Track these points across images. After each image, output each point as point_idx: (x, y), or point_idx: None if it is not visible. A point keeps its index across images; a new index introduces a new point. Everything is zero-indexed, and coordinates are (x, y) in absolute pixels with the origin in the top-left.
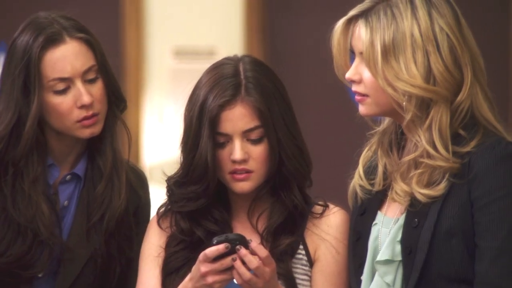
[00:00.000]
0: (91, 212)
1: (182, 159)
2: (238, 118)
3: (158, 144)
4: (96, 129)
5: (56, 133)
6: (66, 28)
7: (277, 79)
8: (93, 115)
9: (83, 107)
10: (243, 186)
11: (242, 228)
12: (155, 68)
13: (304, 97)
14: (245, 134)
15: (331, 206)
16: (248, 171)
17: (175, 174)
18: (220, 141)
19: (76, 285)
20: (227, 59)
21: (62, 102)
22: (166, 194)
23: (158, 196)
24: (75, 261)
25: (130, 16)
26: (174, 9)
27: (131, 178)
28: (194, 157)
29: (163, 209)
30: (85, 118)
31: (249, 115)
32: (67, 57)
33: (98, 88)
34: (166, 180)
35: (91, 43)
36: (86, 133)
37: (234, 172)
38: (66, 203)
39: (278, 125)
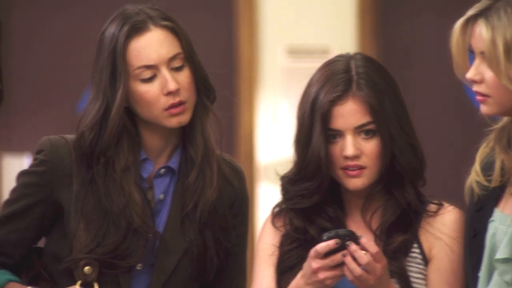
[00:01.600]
0: (184, 203)
1: (295, 156)
2: (349, 113)
3: (272, 143)
4: (184, 118)
5: (147, 126)
6: (151, 17)
7: (389, 76)
8: (180, 103)
9: (169, 94)
10: (356, 182)
11: (355, 226)
12: (268, 67)
13: (418, 95)
14: (357, 130)
15: (445, 204)
16: (360, 167)
17: (288, 172)
18: (332, 136)
19: (173, 277)
20: (339, 56)
21: (148, 90)
22: (280, 192)
23: (271, 194)
24: (172, 253)
25: (244, 15)
26: (287, 8)
27: (225, 169)
28: (306, 154)
29: (277, 208)
30: (172, 105)
31: (360, 111)
32: (152, 45)
33: (184, 76)
34: (280, 179)
35: (176, 31)
36: (173, 121)
37: (346, 168)
38: (162, 196)
39: (390, 121)
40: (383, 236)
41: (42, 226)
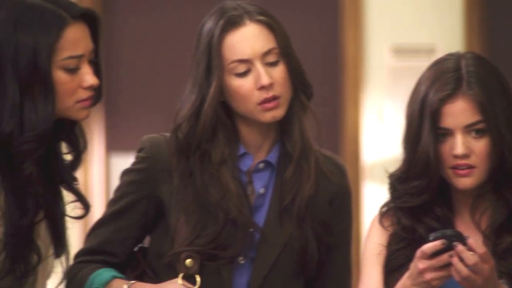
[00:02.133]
0: (282, 198)
1: (404, 154)
2: (459, 112)
3: (378, 143)
4: (278, 113)
5: (244, 120)
6: (248, 12)
7: (501, 75)
8: (273, 98)
9: (262, 88)
10: (465, 181)
11: (464, 226)
12: (374, 66)
13: None
14: (467, 129)
15: None
16: (470, 167)
17: (397, 170)
18: (441, 135)
19: (274, 272)
20: (449, 55)
21: (243, 85)
22: (388, 191)
23: (377, 194)
24: (272, 247)
25: (349, 15)
26: (393, 6)
27: (324, 165)
28: (416, 152)
29: (385, 207)
30: (266, 100)
31: (470, 110)
32: (246, 39)
33: (279, 71)
34: (388, 177)
35: (272, 26)
36: (267, 116)
37: (456, 167)
38: (262, 190)
39: (500, 120)
40: (492, 237)
41: (146, 225)
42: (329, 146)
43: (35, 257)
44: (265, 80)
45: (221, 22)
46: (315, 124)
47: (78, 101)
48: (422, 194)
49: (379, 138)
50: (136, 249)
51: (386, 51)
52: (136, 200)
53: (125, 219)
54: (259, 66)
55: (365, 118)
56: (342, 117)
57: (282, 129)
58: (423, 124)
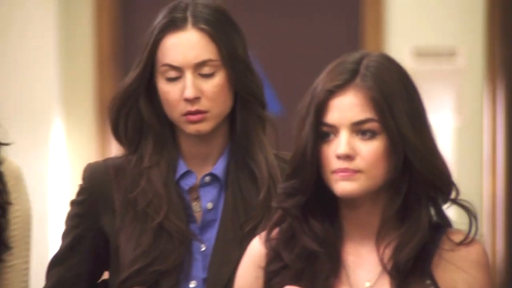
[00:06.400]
0: (238, 214)
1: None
2: (348, 106)
3: None
4: (203, 127)
5: (182, 130)
6: (195, 16)
7: (408, 78)
8: (197, 112)
9: (187, 100)
10: (345, 186)
11: (354, 256)
12: None
13: None
14: (355, 128)
15: (470, 235)
16: (354, 171)
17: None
18: (326, 134)
19: None
20: (360, 51)
21: (170, 92)
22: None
23: None
24: (224, 267)
25: (370, 17)
26: (414, 9)
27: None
28: (296, 151)
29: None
30: (189, 112)
31: (361, 105)
32: (181, 46)
33: (212, 85)
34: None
35: (215, 37)
36: (191, 129)
37: (337, 171)
38: (209, 205)
39: (401, 121)
40: (399, 277)
41: (99, 257)
42: None
43: None
44: (188, 93)
45: (163, 21)
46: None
47: None
48: (295, 195)
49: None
50: (100, 281)
51: (407, 54)
52: (82, 234)
53: (75, 255)
54: (188, 77)
55: None
56: None
57: (234, 142)
58: (308, 117)
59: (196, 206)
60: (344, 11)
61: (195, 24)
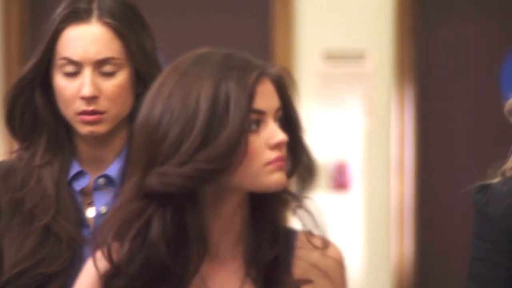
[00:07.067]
0: None
1: None
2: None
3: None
4: (97, 129)
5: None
6: (101, 9)
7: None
8: (94, 112)
9: (83, 98)
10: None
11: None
12: (304, 71)
13: (460, 101)
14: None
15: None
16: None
17: None
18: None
19: None
20: None
21: (67, 87)
22: None
23: None
24: None
25: (280, 19)
26: (323, 12)
27: None
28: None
29: None
30: (85, 112)
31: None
32: (82, 40)
33: (112, 84)
34: None
35: (121, 33)
36: (85, 130)
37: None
38: (103, 209)
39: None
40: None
41: None
42: None
43: None
44: (86, 91)
45: (66, 11)
46: None
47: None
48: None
49: (308, 143)
50: None
51: (317, 56)
52: None
53: None
54: (87, 73)
55: None
56: None
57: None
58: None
59: (90, 211)
60: (254, 13)
61: (100, 18)
